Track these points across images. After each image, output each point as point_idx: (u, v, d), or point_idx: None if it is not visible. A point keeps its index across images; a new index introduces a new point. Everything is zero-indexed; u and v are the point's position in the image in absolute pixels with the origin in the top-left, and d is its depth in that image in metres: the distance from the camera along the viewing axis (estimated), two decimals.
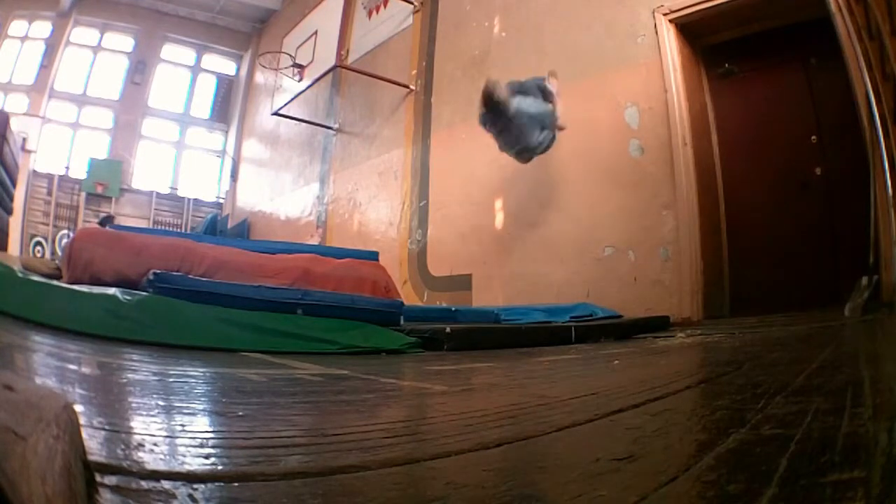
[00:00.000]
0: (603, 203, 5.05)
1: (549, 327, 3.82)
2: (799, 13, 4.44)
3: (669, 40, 4.87)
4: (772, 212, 4.81)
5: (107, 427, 0.91)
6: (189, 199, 13.86)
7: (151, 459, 0.74)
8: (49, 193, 12.23)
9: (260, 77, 12.39)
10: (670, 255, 4.59)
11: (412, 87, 7.55)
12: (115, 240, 3.66)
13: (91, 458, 0.63)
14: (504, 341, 3.34)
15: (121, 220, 11.92)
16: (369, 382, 1.86)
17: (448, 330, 3.11)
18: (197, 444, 0.86)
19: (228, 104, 14.27)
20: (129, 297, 2.69)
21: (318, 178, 9.41)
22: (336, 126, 9.15)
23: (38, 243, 11.75)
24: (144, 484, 0.63)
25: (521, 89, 4.61)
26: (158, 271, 2.85)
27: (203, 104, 14.40)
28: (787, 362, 2.01)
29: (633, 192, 4.86)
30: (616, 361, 2.53)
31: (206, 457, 0.79)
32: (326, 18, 8.82)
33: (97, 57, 13.11)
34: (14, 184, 7.16)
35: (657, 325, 4.19)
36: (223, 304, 2.80)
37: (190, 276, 3.14)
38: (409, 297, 6.46)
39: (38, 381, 1.29)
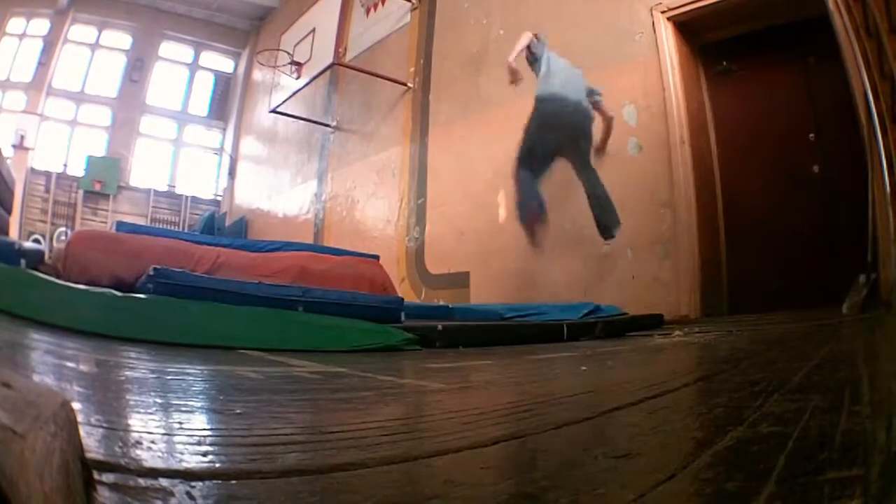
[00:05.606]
0: None
1: (541, 325, 3.83)
2: (797, 11, 4.44)
3: (667, 38, 4.87)
4: (770, 209, 4.82)
5: (104, 425, 0.91)
6: (187, 197, 13.83)
7: (149, 457, 0.74)
8: (47, 191, 12.19)
9: (258, 74, 12.37)
10: (668, 253, 4.60)
11: (410, 84, 7.55)
12: (112, 243, 3.65)
13: (89, 455, 0.63)
14: (496, 339, 3.34)
15: (119, 218, 11.88)
16: (367, 380, 1.86)
17: (440, 327, 3.12)
18: (195, 441, 0.86)
19: (226, 102, 14.24)
20: (127, 296, 2.69)
21: (316, 176, 9.40)
22: (334, 124, 9.14)
23: (36, 241, 11.71)
24: (142, 481, 0.63)
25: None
26: (158, 267, 2.83)
27: (201, 102, 14.38)
28: (784, 360, 2.01)
29: (632, 189, 4.86)
30: (611, 361, 2.53)
31: (204, 454, 0.79)
32: (324, 16, 8.80)
33: (95, 54, 13.08)
34: (13, 183, 7.13)
35: (650, 323, 4.20)
36: (223, 301, 2.80)
37: (189, 273, 3.13)
38: (407, 294, 6.46)
39: (36, 378, 1.28)
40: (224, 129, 14.16)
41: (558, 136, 4.50)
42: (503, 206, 5.99)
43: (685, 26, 4.99)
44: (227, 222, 12.12)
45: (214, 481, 0.66)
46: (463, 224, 6.35)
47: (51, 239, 11.80)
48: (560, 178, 5.45)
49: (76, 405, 0.73)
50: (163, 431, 0.93)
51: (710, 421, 1.03)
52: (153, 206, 13.31)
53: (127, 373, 1.69)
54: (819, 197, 4.59)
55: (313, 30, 8.98)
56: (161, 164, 13.88)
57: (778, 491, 0.58)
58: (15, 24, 11.97)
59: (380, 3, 8.51)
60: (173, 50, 14.01)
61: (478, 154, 6.32)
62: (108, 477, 0.62)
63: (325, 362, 2.23)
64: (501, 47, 6.37)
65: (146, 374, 1.70)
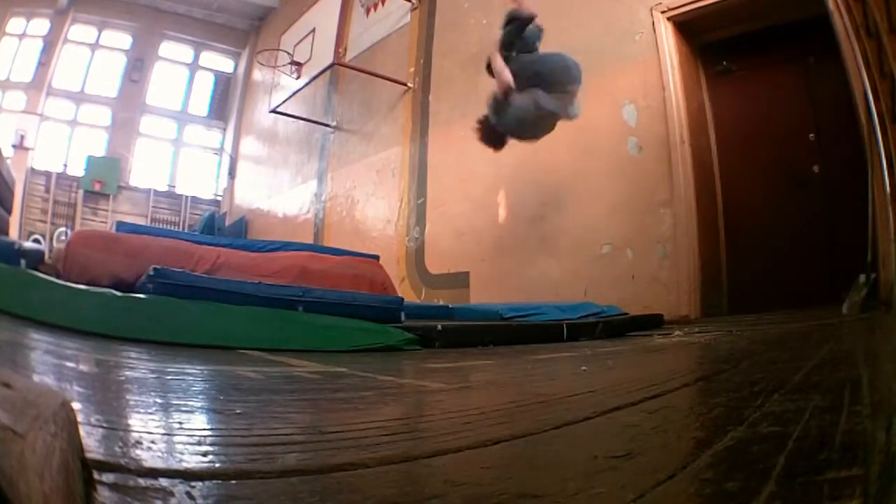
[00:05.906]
0: (601, 201, 5.06)
1: (541, 325, 3.83)
2: (797, 11, 4.45)
3: (667, 38, 4.87)
4: (770, 209, 4.82)
5: (104, 424, 0.91)
6: (187, 197, 13.83)
7: (149, 457, 0.73)
8: (47, 191, 12.19)
9: (258, 75, 12.37)
10: (668, 253, 4.60)
11: (410, 84, 7.55)
12: (112, 243, 3.65)
13: (89, 455, 0.63)
14: (496, 339, 3.35)
15: (119, 218, 11.89)
16: (367, 380, 1.86)
17: (439, 327, 3.13)
18: (195, 441, 0.86)
19: (226, 102, 14.24)
20: (127, 296, 2.69)
21: (316, 176, 9.40)
22: (334, 124, 9.14)
23: (36, 240, 11.71)
24: (142, 481, 0.63)
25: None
26: (158, 267, 2.83)
27: (201, 102, 14.39)
28: (784, 360, 2.01)
29: (631, 189, 4.86)
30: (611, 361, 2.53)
31: (204, 454, 0.79)
32: (324, 16, 8.80)
33: (95, 54, 13.08)
34: (13, 183, 7.13)
35: (650, 323, 4.20)
36: (223, 301, 2.80)
37: (189, 273, 3.13)
38: (407, 294, 6.46)
39: (36, 378, 1.28)
40: (224, 129, 14.15)
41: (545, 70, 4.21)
42: (503, 206, 6.00)
43: (685, 26, 4.99)
44: (227, 222, 12.13)
45: (214, 481, 0.66)
46: (463, 224, 6.35)
47: (51, 239, 11.80)
48: (557, 177, 5.46)
49: (76, 405, 0.73)
50: (163, 431, 0.93)
51: (710, 421, 1.03)
52: (153, 206, 13.31)
53: (127, 373, 1.69)
54: (819, 197, 4.59)
55: (313, 30, 8.98)
56: (161, 164, 13.88)
57: (778, 491, 0.58)
58: (15, 24, 11.96)
59: (380, 3, 8.51)
60: (173, 50, 14.01)
61: (478, 154, 6.31)
62: (108, 477, 0.62)
63: (325, 362, 2.23)
64: None
65: (146, 374, 1.70)
